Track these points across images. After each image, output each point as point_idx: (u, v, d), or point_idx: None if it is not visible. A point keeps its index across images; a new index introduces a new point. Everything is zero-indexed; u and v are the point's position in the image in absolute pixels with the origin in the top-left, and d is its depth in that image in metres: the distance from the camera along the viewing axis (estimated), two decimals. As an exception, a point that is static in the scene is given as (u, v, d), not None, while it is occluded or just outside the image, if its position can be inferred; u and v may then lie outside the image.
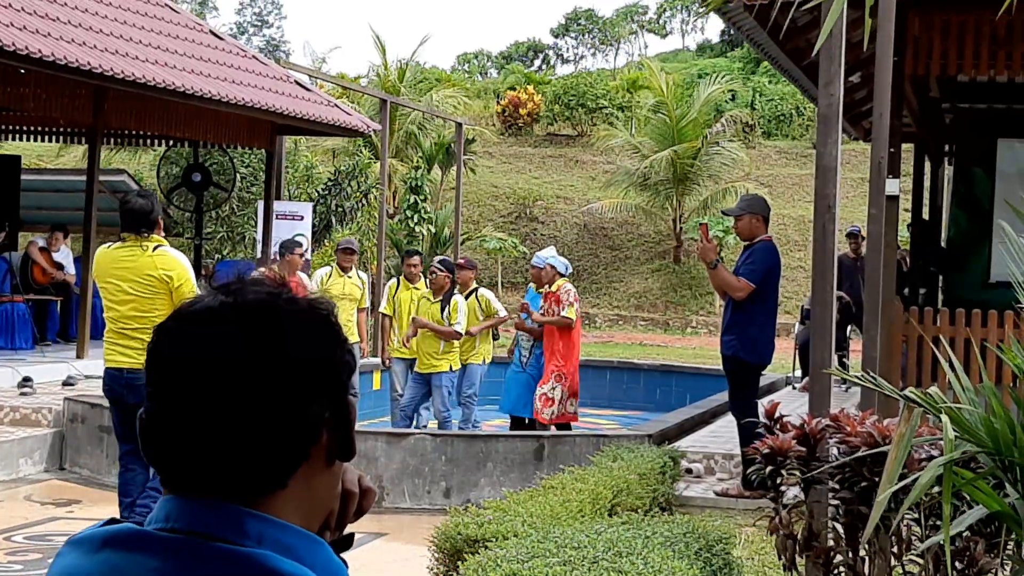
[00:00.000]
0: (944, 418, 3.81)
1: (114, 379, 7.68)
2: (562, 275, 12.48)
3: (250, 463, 1.41)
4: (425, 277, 13.19)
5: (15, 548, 8.33)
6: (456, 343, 12.42)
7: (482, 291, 13.10)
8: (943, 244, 15.42)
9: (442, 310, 12.24)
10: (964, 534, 4.73)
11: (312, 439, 1.45)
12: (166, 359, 1.45)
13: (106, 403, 11.33)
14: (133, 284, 7.54)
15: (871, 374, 4.70)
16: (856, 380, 4.65)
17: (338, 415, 1.48)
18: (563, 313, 12.17)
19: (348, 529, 1.57)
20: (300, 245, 13.24)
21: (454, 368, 12.45)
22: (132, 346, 7.53)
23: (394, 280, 13.53)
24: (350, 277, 13.02)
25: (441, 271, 12.45)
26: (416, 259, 13.57)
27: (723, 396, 11.81)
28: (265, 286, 1.48)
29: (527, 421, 12.49)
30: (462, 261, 13.46)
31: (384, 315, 13.35)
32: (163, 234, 7.86)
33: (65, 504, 9.94)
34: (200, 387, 1.41)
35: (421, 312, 12.39)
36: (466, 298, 12.67)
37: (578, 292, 12.98)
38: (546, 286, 12.48)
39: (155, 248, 7.60)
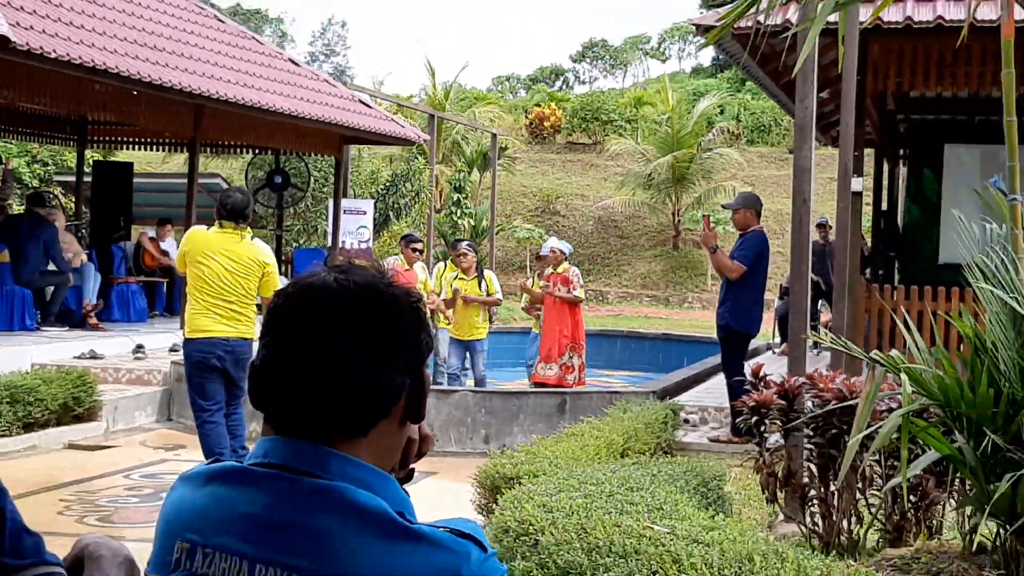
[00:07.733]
0: (903, 376, 3.79)
1: (216, 345, 7.21)
2: (567, 256, 12.48)
3: (342, 414, 1.42)
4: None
5: (132, 484, 8.41)
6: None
7: (487, 272, 12.67)
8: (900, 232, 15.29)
9: (479, 284, 12.27)
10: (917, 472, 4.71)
11: (394, 401, 1.45)
12: (284, 318, 1.45)
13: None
14: (237, 265, 7.25)
15: (841, 339, 4.66)
16: (829, 344, 4.62)
17: (416, 384, 1.48)
18: (575, 293, 12.20)
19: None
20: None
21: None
22: (238, 319, 7.21)
23: (441, 264, 13.43)
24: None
25: (471, 253, 12.49)
26: (462, 246, 12.63)
27: (715, 359, 11.77)
28: (369, 272, 1.48)
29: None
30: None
31: (433, 292, 13.29)
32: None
33: (172, 448, 10.01)
34: (309, 346, 1.41)
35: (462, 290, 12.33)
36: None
37: (593, 274, 12.99)
38: (551, 268, 12.45)
39: (252, 238, 7.39)
